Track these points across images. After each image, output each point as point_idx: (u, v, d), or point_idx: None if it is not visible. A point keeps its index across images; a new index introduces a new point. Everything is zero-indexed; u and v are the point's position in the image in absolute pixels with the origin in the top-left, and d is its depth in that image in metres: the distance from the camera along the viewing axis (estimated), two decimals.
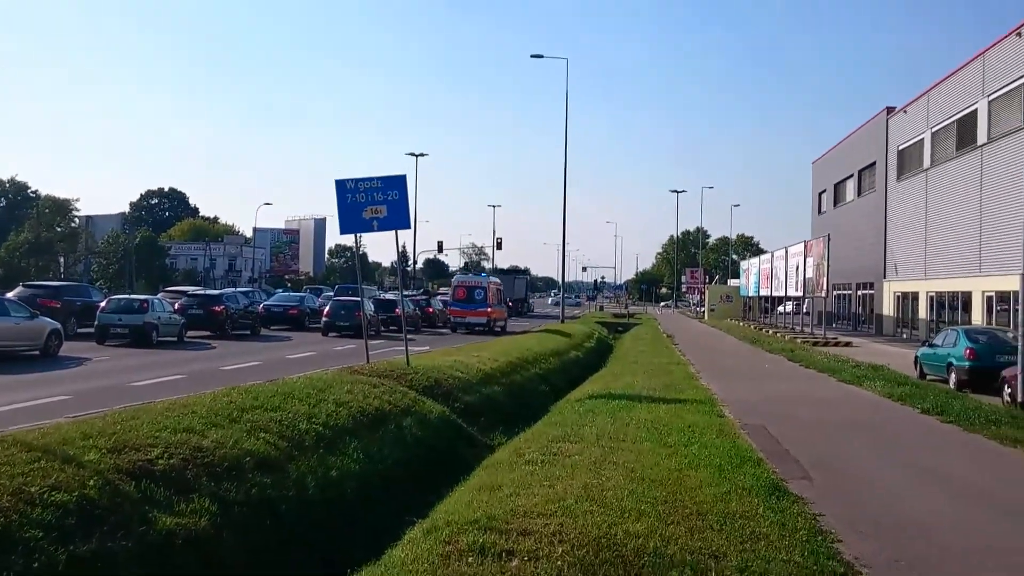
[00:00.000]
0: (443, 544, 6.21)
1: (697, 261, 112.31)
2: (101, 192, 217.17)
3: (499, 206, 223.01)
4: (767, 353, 30.93)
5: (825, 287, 38.46)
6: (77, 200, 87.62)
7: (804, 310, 48.34)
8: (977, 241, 32.24)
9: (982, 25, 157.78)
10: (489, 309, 42.25)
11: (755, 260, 62.44)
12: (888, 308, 43.30)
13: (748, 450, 10.70)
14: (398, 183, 17.05)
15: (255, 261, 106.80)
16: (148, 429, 8.36)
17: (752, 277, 59.17)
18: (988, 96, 31.96)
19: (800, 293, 43.67)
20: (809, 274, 40.49)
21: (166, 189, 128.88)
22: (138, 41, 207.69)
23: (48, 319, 22.28)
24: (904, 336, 39.71)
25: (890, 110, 44.60)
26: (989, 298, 31.11)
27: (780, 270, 47.64)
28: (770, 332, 44.11)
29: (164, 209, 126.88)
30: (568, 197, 47.96)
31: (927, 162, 38.72)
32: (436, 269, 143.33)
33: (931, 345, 23.12)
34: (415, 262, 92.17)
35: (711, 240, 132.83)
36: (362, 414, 11.90)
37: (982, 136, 32.56)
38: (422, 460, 11.99)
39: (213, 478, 7.88)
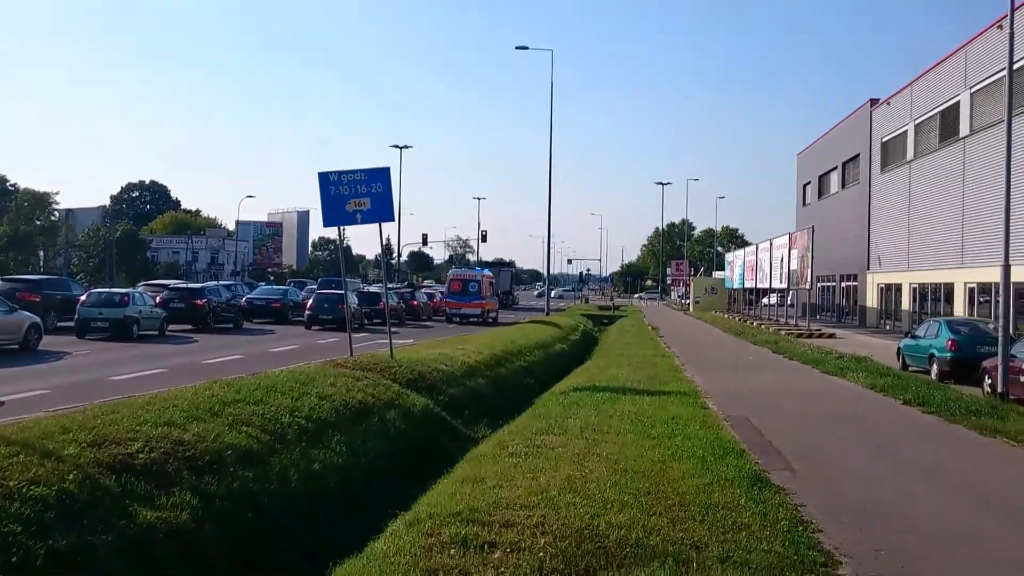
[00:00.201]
0: (425, 536, 6.21)
1: (682, 253, 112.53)
2: (81, 185, 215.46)
3: (484, 198, 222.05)
4: (751, 345, 31.08)
5: (809, 279, 38.67)
6: (57, 193, 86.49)
7: (788, 302, 48.62)
8: (959, 233, 32.46)
9: (966, 17, 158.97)
10: (483, 301, 44.95)
11: (740, 252, 62.74)
12: (872, 300, 43.55)
13: (731, 441, 10.74)
14: (382, 175, 16.98)
15: (238, 254, 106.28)
16: (128, 423, 8.30)
17: (737, 269, 59.43)
18: (970, 88, 32.14)
19: (784, 285, 43.91)
20: (793, 266, 40.70)
21: (147, 182, 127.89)
22: (118, 34, 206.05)
23: (27, 313, 22.10)
24: (887, 327, 39.95)
25: (874, 102, 44.77)
26: (971, 290, 31.34)
27: (765, 262, 47.87)
28: (755, 324, 44.32)
29: (145, 202, 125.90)
30: (554, 189, 48.11)
31: (910, 154, 38.92)
32: (421, 262, 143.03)
33: (913, 337, 23.29)
34: (399, 255, 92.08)
35: (696, 232, 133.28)
36: (345, 407, 11.86)
37: (964, 128, 32.75)
38: (406, 453, 11.96)
39: (194, 472, 7.83)
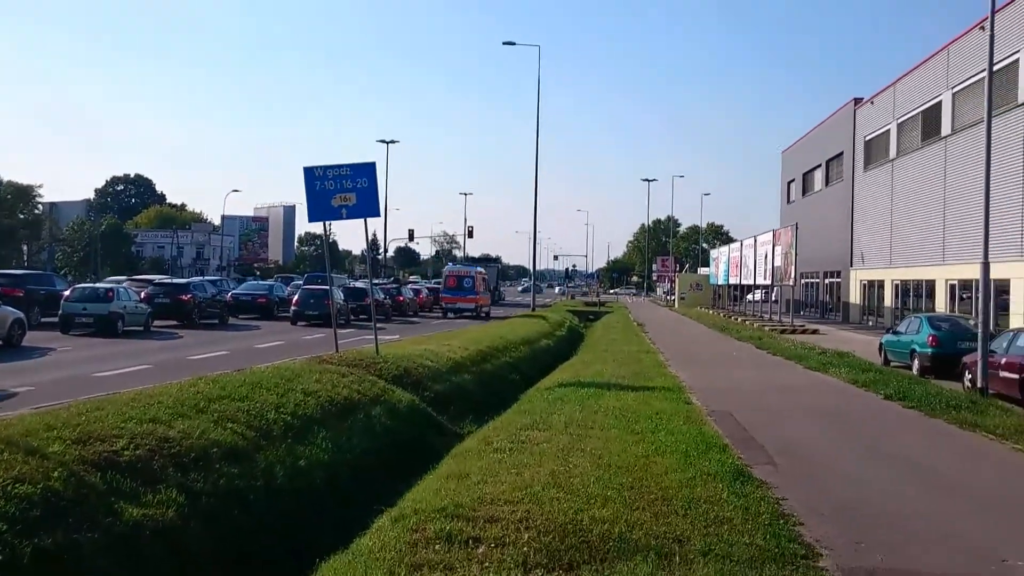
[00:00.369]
0: (410, 532, 6.26)
1: (668, 249, 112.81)
2: (65, 178, 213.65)
3: (471, 194, 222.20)
4: (736, 341, 31.24)
5: (793, 275, 38.87)
6: (40, 186, 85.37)
7: (773, 298, 48.82)
8: (941, 230, 32.73)
9: (949, 18, 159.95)
10: (477, 296, 47.05)
11: (725, 249, 62.93)
12: (855, 296, 43.85)
13: (714, 436, 10.83)
14: (367, 170, 16.97)
15: (223, 249, 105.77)
16: (114, 420, 8.30)
17: (722, 265, 59.64)
18: (952, 88, 32.40)
19: (769, 281, 44.11)
20: (777, 262, 40.89)
21: (132, 175, 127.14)
22: (102, 28, 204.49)
23: (10, 308, 21.93)
24: (870, 323, 40.24)
25: (858, 101, 45.02)
26: (952, 286, 31.62)
27: (749, 258, 48.08)
28: (739, 320, 44.52)
29: (130, 196, 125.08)
30: (540, 185, 48.67)
31: (893, 152, 39.19)
32: (407, 257, 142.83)
33: (895, 332, 23.48)
34: (386, 250, 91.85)
35: (682, 229, 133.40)
36: (331, 403, 11.89)
37: (946, 127, 33.01)
38: (391, 449, 12.01)
39: (180, 468, 7.85)
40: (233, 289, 40.41)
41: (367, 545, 6.15)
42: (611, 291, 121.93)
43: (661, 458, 9.08)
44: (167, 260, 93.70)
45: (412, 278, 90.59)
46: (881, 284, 40.14)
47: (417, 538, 6.12)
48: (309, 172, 16.84)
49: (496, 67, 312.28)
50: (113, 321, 25.52)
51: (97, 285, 29.03)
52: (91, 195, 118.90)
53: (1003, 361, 15.87)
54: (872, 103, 42.48)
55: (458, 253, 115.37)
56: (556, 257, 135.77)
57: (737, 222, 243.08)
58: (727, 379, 18.57)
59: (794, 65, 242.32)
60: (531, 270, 65.30)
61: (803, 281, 50.85)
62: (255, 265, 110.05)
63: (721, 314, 52.65)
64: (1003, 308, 26.18)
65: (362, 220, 17.47)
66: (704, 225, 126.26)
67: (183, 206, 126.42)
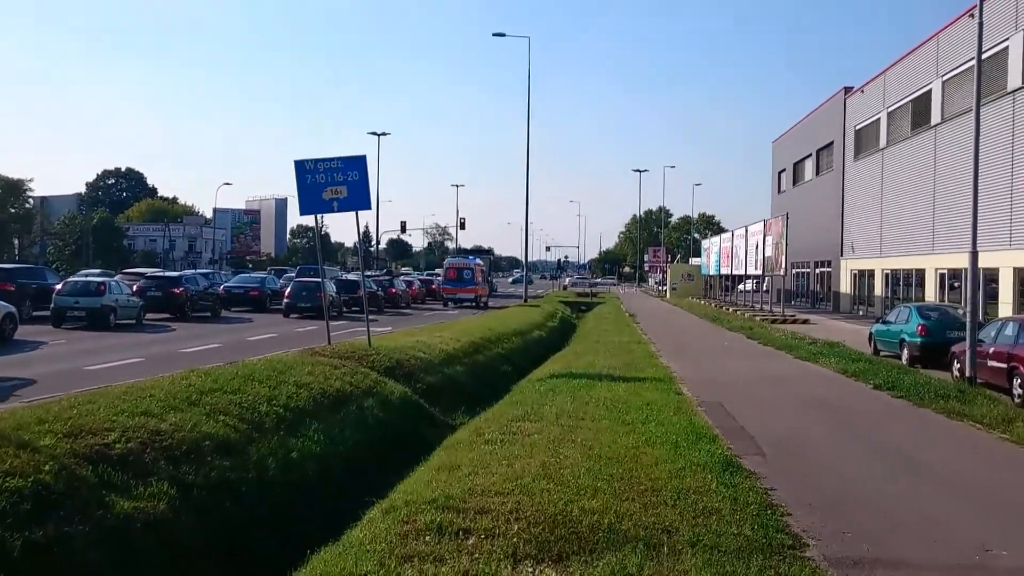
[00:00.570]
0: (401, 523, 6.30)
1: (660, 240, 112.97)
2: (56, 172, 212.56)
3: (463, 185, 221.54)
4: (727, 331, 31.37)
5: (784, 265, 39.00)
6: (31, 180, 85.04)
7: (764, 288, 48.99)
8: (931, 219, 32.85)
9: (939, 6, 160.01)
10: (476, 287, 49.25)
11: (716, 239, 63.08)
12: (845, 285, 44.02)
13: (704, 427, 10.91)
14: (358, 163, 16.94)
15: (215, 242, 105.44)
16: (105, 413, 8.31)
17: (713, 256, 59.79)
18: (942, 77, 32.48)
19: (760, 271, 44.26)
20: (768, 252, 41.02)
21: (123, 169, 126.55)
22: (91, 21, 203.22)
23: (2, 302, 21.84)
24: (861, 313, 40.40)
25: (848, 90, 45.10)
26: (942, 275, 31.77)
27: (740, 249, 48.21)
28: (730, 310, 44.68)
29: (121, 189, 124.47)
30: (532, 177, 48.69)
31: (883, 142, 39.29)
32: (400, 249, 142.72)
33: (885, 322, 23.59)
34: (378, 242, 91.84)
35: (673, 219, 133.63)
36: (323, 396, 11.91)
37: (936, 116, 33.09)
38: (383, 441, 12.04)
39: (172, 461, 7.87)
40: (226, 282, 40.36)
41: (358, 537, 6.19)
42: (591, 282, 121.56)
43: (651, 449, 9.14)
44: (159, 253, 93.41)
45: (404, 270, 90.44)
46: (871, 273, 40.30)
47: (408, 530, 6.16)
48: (300, 165, 16.81)
49: (487, 59, 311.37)
50: (105, 315, 25.48)
51: (89, 279, 28.94)
52: (82, 189, 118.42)
53: (991, 350, 15.96)
54: (862, 92, 42.56)
55: (450, 245, 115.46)
56: (548, 248, 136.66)
57: (729, 212, 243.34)
58: (718, 369, 18.66)
59: (785, 54, 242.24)
60: (523, 261, 65.28)
61: (794, 271, 51.03)
62: (247, 258, 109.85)
63: (712, 304, 52.82)
64: (992, 297, 26.32)
65: (354, 212, 17.46)
66: (696, 215, 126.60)
67: (175, 199, 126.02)
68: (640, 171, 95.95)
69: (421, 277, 64.66)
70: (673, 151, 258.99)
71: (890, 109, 38.46)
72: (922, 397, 14.30)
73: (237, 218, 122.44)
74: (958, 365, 17.15)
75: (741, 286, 56.90)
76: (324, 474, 9.86)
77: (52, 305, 25.62)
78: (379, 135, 71.39)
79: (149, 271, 40.31)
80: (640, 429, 10.25)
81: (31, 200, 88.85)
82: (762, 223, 43.39)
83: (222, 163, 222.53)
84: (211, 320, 31.16)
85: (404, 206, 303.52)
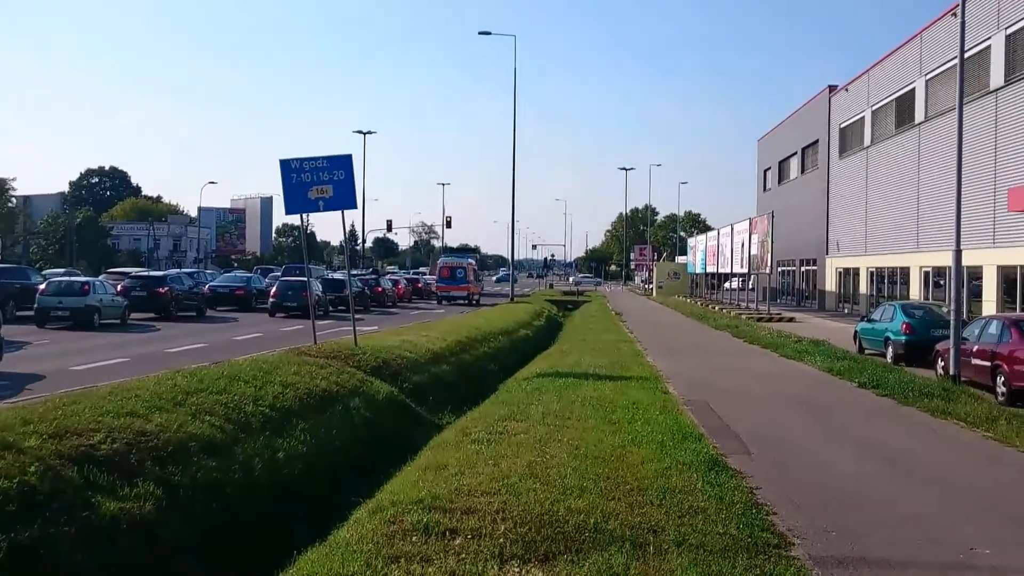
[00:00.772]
0: (388, 524, 6.30)
1: (646, 238, 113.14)
2: (38, 171, 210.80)
3: (448, 184, 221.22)
4: (713, 330, 31.46)
5: (769, 263, 39.14)
6: (14, 179, 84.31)
7: (750, 286, 49.13)
8: (915, 217, 33.04)
9: (922, 4, 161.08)
10: (469, 285, 50.80)
11: (702, 237, 63.21)
12: (830, 284, 44.22)
13: (690, 426, 10.95)
14: (344, 163, 16.91)
15: (200, 241, 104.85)
16: (90, 414, 8.28)
17: (699, 254, 59.92)
18: (925, 75, 32.67)
19: (745, 269, 44.39)
20: (754, 251, 41.17)
21: (107, 168, 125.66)
22: (79, 15, 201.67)
23: None
24: (846, 311, 40.60)
25: (832, 88, 45.29)
26: (926, 273, 31.97)
27: (726, 247, 48.34)
28: (716, 308, 44.80)
29: (105, 188, 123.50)
30: (518, 175, 48.42)
31: (868, 140, 39.49)
32: (386, 248, 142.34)
33: (870, 320, 23.69)
34: (364, 241, 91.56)
35: (660, 217, 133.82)
36: (309, 396, 11.89)
37: (919, 114, 33.29)
38: (370, 440, 12.04)
39: (158, 462, 7.85)
40: (211, 281, 40.19)
41: (344, 537, 6.19)
42: (572, 279, 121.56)
43: (637, 448, 9.17)
44: (144, 252, 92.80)
45: (390, 268, 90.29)
46: (856, 272, 40.51)
47: (394, 530, 6.16)
48: (285, 165, 16.76)
49: (473, 58, 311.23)
50: (89, 314, 25.33)
51: (73, 278, 28.75)
52: (65, 188, 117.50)
53: (975, 349, 16.08)
54: (847, 90, 42.75)
55: (437, 243, 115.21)
56: (535, 247, 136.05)
57: (714, 210, 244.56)
58: (704, 368, 18.72)
59: (770, 53, 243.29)
60: (510, 260, 65.27)
61: (779, 269, 51.21)
62: (232, 257, 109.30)
63: (698, 303, 52.97)
64: (976, 295, 26.51)
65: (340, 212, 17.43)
66: (682, 214, 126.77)
67: (159, 198, 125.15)
68: (626, 169, 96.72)
69: (407, 276, 64.57)
70: (659, 150, 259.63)
71: (874, 107, 38.66)
72: (906, 396, 14.39)
73: (222, 217, 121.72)
74: (942, 363, 17.25)
75: (727, 284, 57.07)
76: (310, 474, 9.85)
77: (36, 305, 25.42)
78: (364, 133, 71.28)
79: (134, 271, 40.07)
80: (626, 428, 10.28)
81: (14, 199, 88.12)
82: (748, 221, 43.53)
83: (206, 161, 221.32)
84: (196, 320, 31.01)
85: (390, 204, 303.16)
